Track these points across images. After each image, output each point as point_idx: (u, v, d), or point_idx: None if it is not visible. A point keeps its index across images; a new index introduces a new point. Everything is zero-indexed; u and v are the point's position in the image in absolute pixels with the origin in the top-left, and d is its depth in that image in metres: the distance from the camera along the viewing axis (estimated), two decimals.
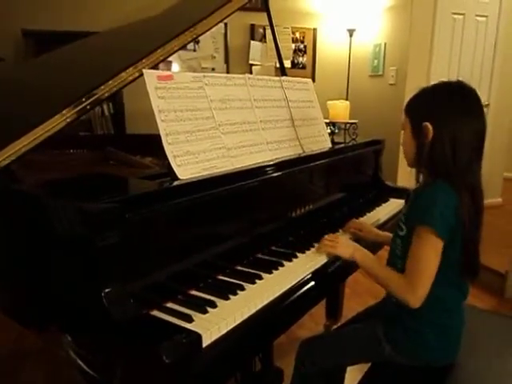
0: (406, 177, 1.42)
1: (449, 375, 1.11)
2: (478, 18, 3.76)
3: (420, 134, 1.08)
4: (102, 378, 0.85)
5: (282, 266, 1.16)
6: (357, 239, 1.39)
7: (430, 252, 1.03)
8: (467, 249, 1.07)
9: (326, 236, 1.27)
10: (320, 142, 1.66)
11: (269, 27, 1.91)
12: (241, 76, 1.39)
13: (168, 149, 1.08)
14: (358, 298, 2.51)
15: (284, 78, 1.62)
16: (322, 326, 2.19)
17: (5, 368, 1.93)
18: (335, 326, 1.92)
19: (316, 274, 1.15)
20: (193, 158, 1.12)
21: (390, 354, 1.14)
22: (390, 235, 1.33)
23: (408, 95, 1.18)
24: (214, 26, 1.41)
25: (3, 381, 1.84)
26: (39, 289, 0.99)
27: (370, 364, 1.25)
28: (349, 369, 1.42)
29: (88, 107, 1.14)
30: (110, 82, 1.15)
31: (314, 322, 2.22)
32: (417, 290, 1.04)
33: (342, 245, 1.22)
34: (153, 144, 1.24)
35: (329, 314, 2.18)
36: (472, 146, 1.05)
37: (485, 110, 1.14)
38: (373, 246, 1.39)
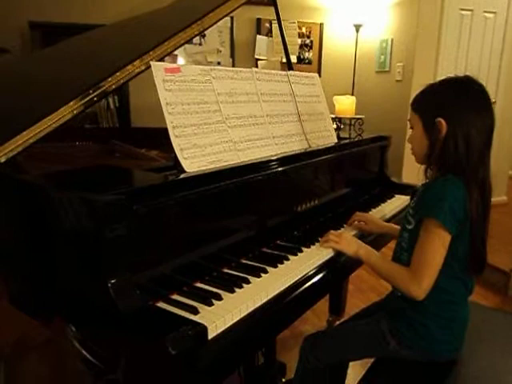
0: (411, 173, 1.41)
1: (452, 371, 1.11)
2: (487, 15, 3.73)
3: (433, 130, 1.07)
4: (106, 369, 0.85)
5: (288, 259, 1.16)
6: (361, 235, 1.39)
7: (437, 245, 1.03)
8: (474, 244, 1.07)
9: (331, 231, 1.27)
10: (326, 137, 1.66)
11: (275, 21, 1.91)
12: (248, 70, 1.38)
13: (175, 141, 1.08)
14: (361, 294, 2.51)
15: (291, 72, 1.61)
16: (325, 321, 2.19)
17: (10, 359, 1.94)
18: (338, 322, 1.92)
19: (320, 269, 1.15)
20: (200, 150, 1.12)
21: (395, 348, 1.14)
22: (394, 226, 1.34)
23: (414, 92, 1.16)
24: (220, 19, 1.41)
25: (8, 371, 1.86)
26: (45, 280, 0.99)
27: (372, 359, 1.26)
28: (351, 364, 1.43)
29: (95, 99, 1.15)
30: (118, 73, 1.16)
31: (317, 318, 2.23)
32: (422, 282, 1.04)
33: (346, 241, 1.22)
34: (158, 137, 1.25)
35: (332, 310, 2.18)
36: (483, 141, 1.05)
37: None
38: (377, 243, 1.39)
